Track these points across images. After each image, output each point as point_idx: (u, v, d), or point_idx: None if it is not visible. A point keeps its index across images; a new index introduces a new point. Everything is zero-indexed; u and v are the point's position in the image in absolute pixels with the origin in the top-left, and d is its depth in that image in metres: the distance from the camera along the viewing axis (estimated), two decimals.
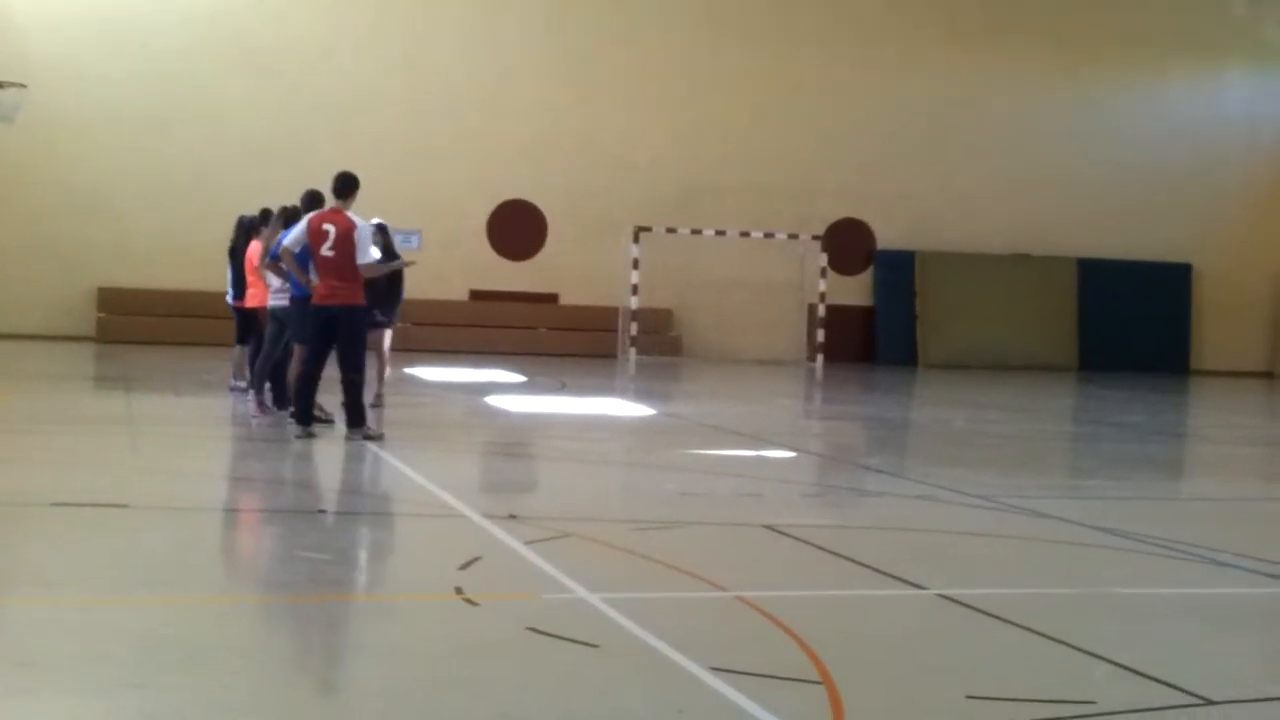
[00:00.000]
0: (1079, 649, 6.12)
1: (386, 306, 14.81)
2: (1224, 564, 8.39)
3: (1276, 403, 26.08)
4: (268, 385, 14.09)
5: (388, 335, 15.41)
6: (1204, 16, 31.94)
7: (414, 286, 22.63)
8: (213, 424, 14.38)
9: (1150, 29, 31.62)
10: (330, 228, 12.16)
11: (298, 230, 12.51)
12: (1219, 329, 32.11)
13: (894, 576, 7.56)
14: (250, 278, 14.68)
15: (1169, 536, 9.16)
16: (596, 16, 28.96)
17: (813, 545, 8.46)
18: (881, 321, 30.41)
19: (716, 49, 29.44)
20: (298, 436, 12.25)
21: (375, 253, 12.52)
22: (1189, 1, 31.94)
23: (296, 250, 12.48)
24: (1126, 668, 5.84)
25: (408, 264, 14.28)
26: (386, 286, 14.43)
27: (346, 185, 12.38)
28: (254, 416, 13.84)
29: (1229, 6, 32.03)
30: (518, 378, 21.80)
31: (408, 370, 21.78)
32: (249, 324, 15.15)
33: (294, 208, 13.35)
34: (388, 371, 15.65)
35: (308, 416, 12.47)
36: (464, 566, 7.27)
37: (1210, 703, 5.41)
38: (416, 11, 28.16)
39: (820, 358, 28.95)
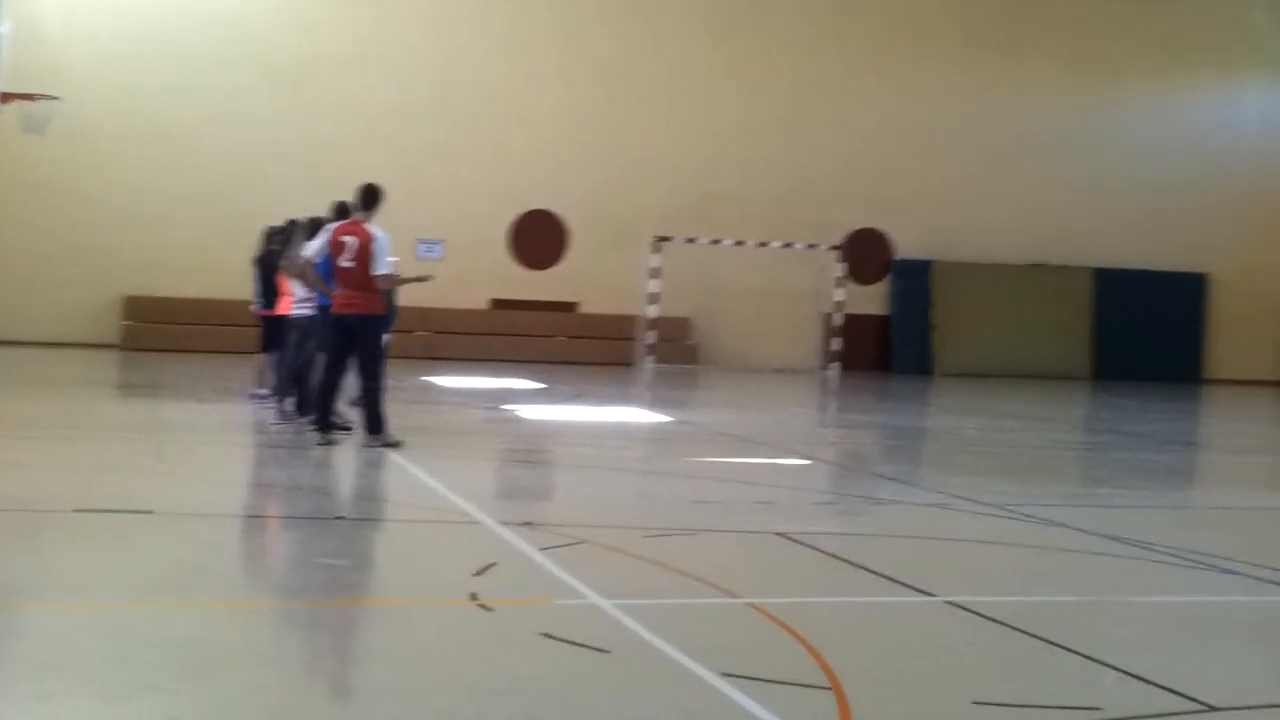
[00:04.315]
0: (1086, 656, 6.20)
1: None
2: (1233, 572, 8.46)
3: None
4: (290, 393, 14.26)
5: None
6: (1221, 27, 32.00)
7: (437, 295, 22.87)
8: (235, 431, 14.52)
9: (1167, 39, 31.67)
10: (349, 239, 12.34)
11: (319, 241, 12.71)
12: (1233, 338, 32.12)
13: (904, 584, 7.65)
14: (284, 286, 14.81)
15: (1180, 545, 9.24)
16: (618, 28, 29.11)
17: (824, 553, 8.56)
18: (897, 330, 30.48)
19: (736, 60, 29.58)
20: (318, 444, 12.40)
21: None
22: (1206, 12, 31.99)
23: (318, 261, 12.66)
24: (1133, 675, 5.91)
25: (426, 278, 14.37)
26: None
27: (369, 197, 12.55)
28: (274, 424, 14.00)
29: (1246, 17, 32.10)
30: (537, 385, 21.93)
31: (428, 378, 21.92)
32: (277, 332, 15.25)
33: (320, 218, 13.50)
34: None
35: (328, 424, 12.63)
36: (479, 573, 7.38)
37: (1214, 709, 5.49)
38: (442, 22, 28.34)
39: (836, 366, 29.03)
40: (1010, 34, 30.98)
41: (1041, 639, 6.48)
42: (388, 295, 14.68)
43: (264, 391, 15.72)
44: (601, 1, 29.20)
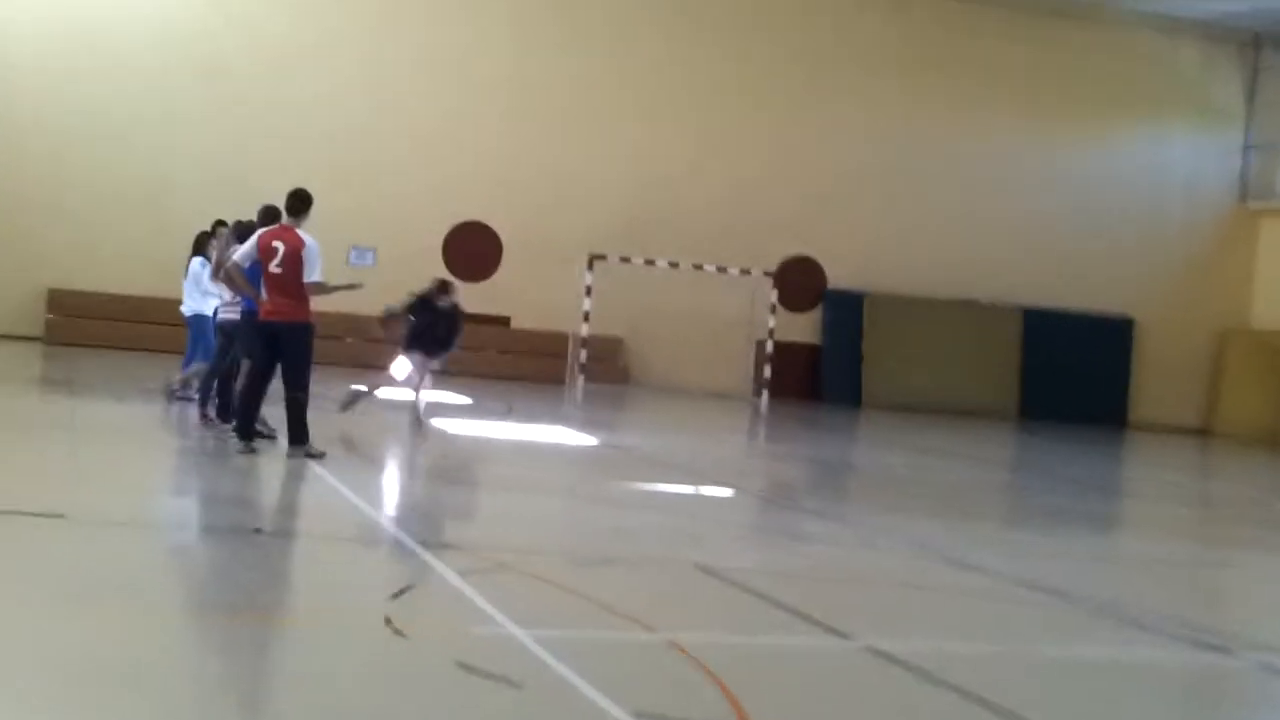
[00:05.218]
0: (998, 707, 6.21)
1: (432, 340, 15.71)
2: (1149, 627, 8.51)
3: (1211, 461, 26.41)
4: (213, 397, 14.07)
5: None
6: (1152, 74, 32.51)
7: (368, 304, 22.70)
8: (156, 433, 14.30)
9: (1100, 83, 32.09)
10: (279, 245, 12.20)
11: (248, 245, 12.54)
12: (1158, 384, 32.51)
13: (823, 625, 7.64)
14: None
15: (1098, 595, 9.29)
16: (560, 44, 29.10)
17: (745, 589, 8.53)
18: (828, 360, 30.59)
19: (677, 83, 29.64)
20: (239, 451, 12.22)
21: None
22: (1138, 59, 32.44)
23: (246, 265, 12.51)
24: None
25: (357, 285, 14.23)
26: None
27: (300, 203, 12.42)
28: (197, 428, 13.81)
29: (1177, 67, 32.64)
30: (465, 400, 21.79)
31: (356, 387, 21.70)
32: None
33: (249, 222, 13.34)
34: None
35: (250, 431, 12.45)
36: (396, 595, 7.29)
37: None
38: (379, 28, 28.21)
39: (766, 394, 29.09)
40: (949, 73, 31.26)
41: (955, 688, 6.47)
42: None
43: (186, 391, 15.59)
44: (545, 27, 29.15)
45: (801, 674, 6.76)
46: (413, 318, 16.08)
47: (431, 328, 16.01)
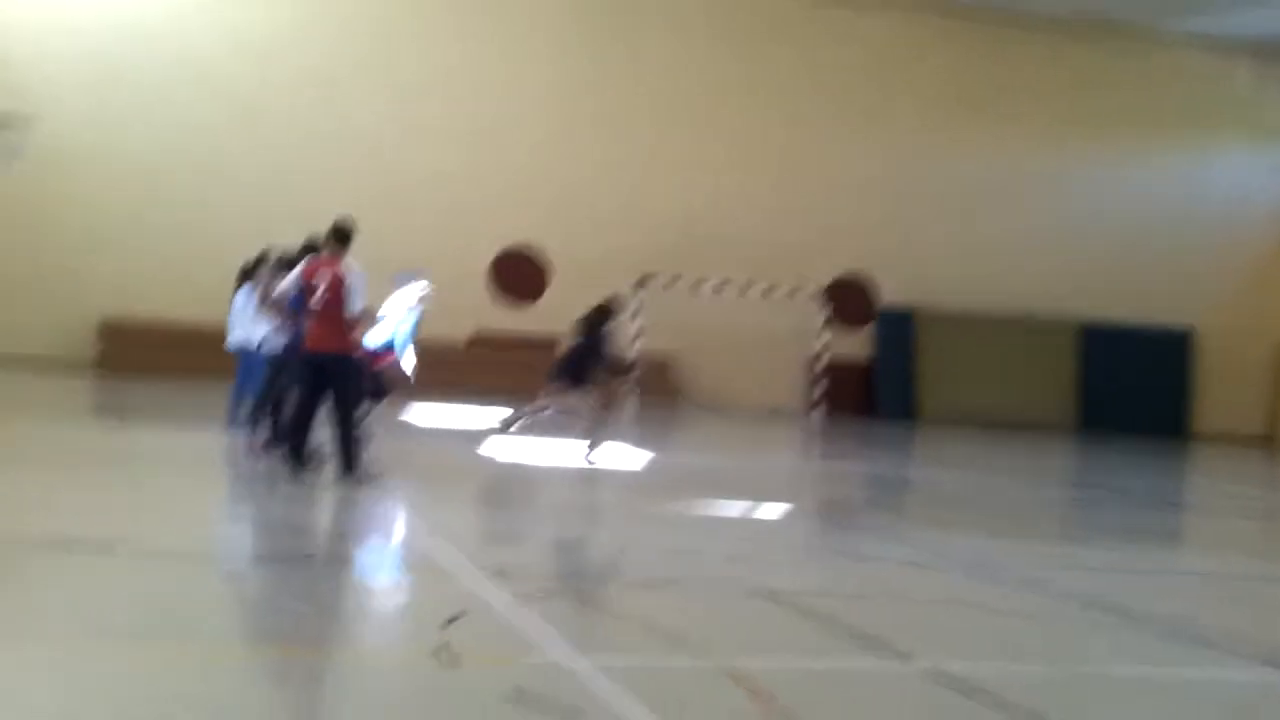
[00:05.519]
0: None
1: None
2: (1217, 645, 8.29)
3: (1275, 472, 25.97)
4: (262, 425, 14.03)
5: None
6: (1206, 90, 32.24)
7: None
8: (207, 463, 14.28)
9: (1155, 101, 31.85)
10: (323, 277, 12.16)
11: (292, 277, 12.54)
12: (1218, 394, 32.12)
13: (883, 647, 7.47)
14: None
15: (1162, 613, 9.07)
16: (606, 66, 29.09)
17: (803, 611, 8.37)
18: (881, 376, 30.35)
19: (725, 102, 29.56)
20: (288, 479, 12.17)
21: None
22: (1192, 75, 32.18)
23: (290, 297, 12.50)
24: None
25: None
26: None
27: (343, 234, 12.37)
28: (246, 457, 13.77)
29: (1231, 82, 32.31)
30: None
31: (406, 411, 21.68)
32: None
33: (294, 253, 13.33)
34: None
35: (300, 459, 12.41)
36: (448, 623, 7.17)
37: None
38: (423, 53, 28.29)
39: (819, 410, 28.88)
40: (999, 88, 31.05)
41: (1019, 710, 6.29)
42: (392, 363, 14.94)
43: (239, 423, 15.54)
44: (591, 46, 29.16)
45: (862, 698, 6.60)
46: (581, 341, 15.96)
47: (581, 361, 15.89)
